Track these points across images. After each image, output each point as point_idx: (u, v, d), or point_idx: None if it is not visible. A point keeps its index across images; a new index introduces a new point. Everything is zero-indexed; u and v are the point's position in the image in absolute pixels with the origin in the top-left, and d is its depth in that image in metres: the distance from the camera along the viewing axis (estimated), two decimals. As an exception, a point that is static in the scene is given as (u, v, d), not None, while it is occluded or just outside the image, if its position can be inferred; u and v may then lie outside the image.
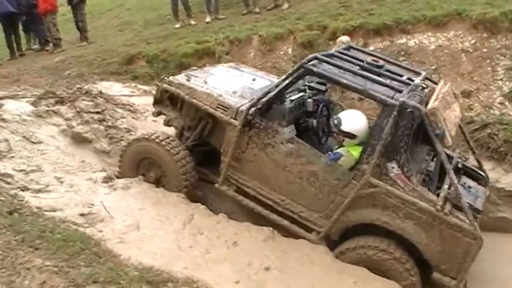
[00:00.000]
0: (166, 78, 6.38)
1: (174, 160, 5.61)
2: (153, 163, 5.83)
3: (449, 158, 5.36)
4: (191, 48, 9.39)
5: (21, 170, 5.59)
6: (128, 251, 4.44)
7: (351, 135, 5.07)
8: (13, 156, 5.85)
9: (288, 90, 5.42)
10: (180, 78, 6.03)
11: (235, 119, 5.34)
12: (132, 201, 5.34)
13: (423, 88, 5.03)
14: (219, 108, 5.48)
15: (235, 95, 5.65)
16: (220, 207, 5.79)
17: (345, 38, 7.55)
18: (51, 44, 11.86)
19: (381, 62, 5.32)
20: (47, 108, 7.13)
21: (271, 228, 5.16)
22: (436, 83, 5.39)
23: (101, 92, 7.70)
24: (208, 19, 11.08)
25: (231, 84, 5.92)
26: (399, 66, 5.70)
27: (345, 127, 5.08)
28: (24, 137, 6.34)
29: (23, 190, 5.20)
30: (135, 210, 5.16)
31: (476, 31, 8.22)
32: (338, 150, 5.13)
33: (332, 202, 5.01)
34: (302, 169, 5.08)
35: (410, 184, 4.71)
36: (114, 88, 8.52)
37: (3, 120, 6.81)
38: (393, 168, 4.73)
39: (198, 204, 5.50)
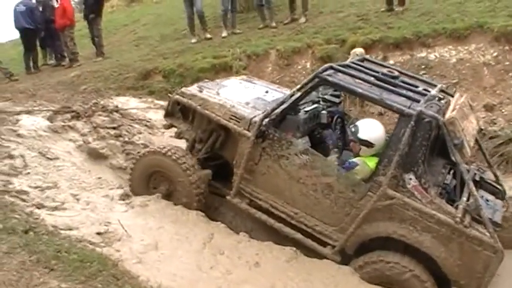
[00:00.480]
0: (177, 90, 6.25)
1: (184, 173, 5.45)
2: (163, 177, 5.67)
3: (467, 171, 5.14)
4: (208, 63, 9.28)
5: (36, 187, 5.45)
6: (146, 272, 4.26)
7: (368, 144, 4.91)
8: (29, 173, 5.73)
9: (302, 102, 5.30)
10: (193, 89, 5.90)
11: (248, 130, 5.19)
12: (150, 220, 5.16)
13: (440, 99, 4.93)
14: (232, 119, 5.35)
15: (248, 106, 5.52)
16: (240, 226, 5.57)
17: (359, 50, 7.48)
18: (67, 59, 11.83)
19: (396, 73, 5.21)
20: (63, 124, 7.03)
21: (294, 248, 4.97)
22: (452, 95, 5.28)
23: (117, 107, 7.57)
24: (224, 34, 10.97)
25: (243, 96, 5.79)
26: (414, 78, 5.61)
27: (362, 135, 4.93)
28: (40, 152, 6.22)
29: (38, 208, 5.05)
30: (154, 229, 4.98)
31: (498, 44, 8.09)
32: (353, 160, 5.01)
33: (347, 215, 4.87)
34: (316, 181, 4.95)
35: (428, 196, 4.57)
36: (130, 103, 8.41)
37: (19, 135, 6.72)
38: (410, 180, 4.60)
39: (218, 223, 5.33)
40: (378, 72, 5.13)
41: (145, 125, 7.48)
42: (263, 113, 5.18)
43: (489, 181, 5.60)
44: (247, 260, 4.70)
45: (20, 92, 9.47)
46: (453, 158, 4.53)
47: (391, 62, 8.33)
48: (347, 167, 4.92)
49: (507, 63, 7.86)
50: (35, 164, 5.93)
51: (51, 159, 6.14)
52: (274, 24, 10.99)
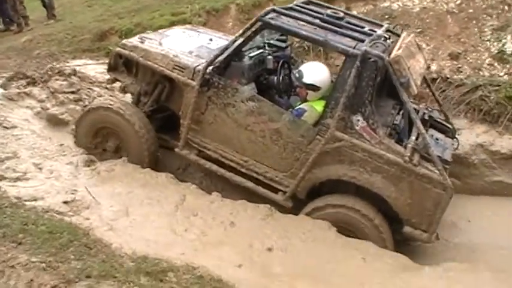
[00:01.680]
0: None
1: (132, 128, 5.35)
2: (110, 133, 5.58)
3: (416, 110, 5.29)
4: (166, 20, 8.92)
5: (-5, 158, 5.19)
6: (119, 239, 4.10)
7: (314, 87, 4.93)
8: (-15, 144, 5.44)
9: (247, 47, 5.27)
10: (134, 40, 5.72)
11: (192, 80, 5.11)
12: (118, 185, 4.99)
13: (386, 39, 4.91)
14: (176, 69, 5.25)
15: (191, 54, 5.42)
16: (210, 186, 5.57)
17: None
18: (15, 24, 11.24)
19: (341, 14, 5.16)
20: (18, 91, 6.66)
21: (268, 206, 4.90)
22: (399, 35, 5.25)
23: (74, 71, 7.23)
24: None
25: (187, 45, 5.68)
26: (361, 19, 5.60)
27: (307, 79, 4.94)
28: (-5, 122, 5.90)
29: (-1, 180, 4.80)
30: (123, 195, 4.82)
31: (462, -9, 7.99)
32: (301, 106, 4.98)
33: (297, 160, 4.88)
34: (264, 127, 4.93)
35: (376, 136, 4.61)
36: (87, 66, 8.05)
37: (-30, 105, 6.37)
38: (358, 121, 4.63)
39: (189, 184, 5.21)
40: (322, 14, 5.06)
41: (106, 88, 7.17)
42: (207, 61, 5.09)
43: (439, 120, 5.70)
44: (222, 221, 4.60)
45: (-34, 59, 9.01)
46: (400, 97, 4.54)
47: (354, 12, 8.16)
48: (296, 115, 4.90)
49: (470, 10, 7.80)
50: (-9, 134, 5.65)
51: (8, 128, 5.81)
52: (232, -22, 10.64)
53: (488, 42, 7.46)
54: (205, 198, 4.93)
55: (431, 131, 5.37)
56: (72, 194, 4.72)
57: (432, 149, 4.53)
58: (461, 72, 7.25)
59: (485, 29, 7.61)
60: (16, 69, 7.80)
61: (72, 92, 6.72)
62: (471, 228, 5.69)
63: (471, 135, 6.36)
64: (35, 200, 4.53)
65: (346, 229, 4.75)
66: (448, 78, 7.05)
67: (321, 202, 4.86)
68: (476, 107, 6.67)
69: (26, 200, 4.48)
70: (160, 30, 6.45)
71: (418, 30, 7.87)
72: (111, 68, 5.97)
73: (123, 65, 5.83)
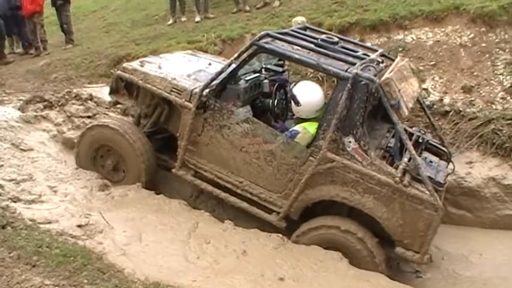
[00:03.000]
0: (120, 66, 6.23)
1: (131, 145, 5.46)
2: (109, 151, 5.67)
3: (410, 134, 5.43)
4: (182, 48, 9.00)
5: (11, 180, 5.26)
6: (131, 264, 4.13)
7: (295, 101, 5.07)
8: (2, 165, 5.51)
9: (243, 71, 5.37)
10: (134, 64, 5.88)
11: (189, 102, 5.22)
12: (132, 210, 5.02)
13: (378, 63, 4.99)
14: (173, 91, 5.37)
15: (189, 78, 5.55)
16: (223, 214, 5.58)
17: (300, 19, 7.52)
18: (34, 48, 11.43)
19: (335, 39, 5.27)
20: (35, 114, 6.80)
21: (280, 235, 4.90)
22: (393, 60, 5.33)
23: (91, 96, 7.34)
24: (198, 18, 10.75)
25: (186, 69, 5.81)
26: (356, 44, 5.70)
27: (295, 90, 5.12)
28: (12, 144, 6.00)
29: (14, 201, 4.86)
30: (136, 220, 4.84)
31: (475, 25, 8.02)
32: (294, 128, 5.06)
33: (290, 181, 4.94)
34: (259, 149, 5.01)
35: (368, 158, 4.65)
36: (104, 91, 8.15)
37: (-12, 127, 6.46)
38: (350, 143, 4.69)
39: (202, 211, 5.23)
40: (317, 39, 5.19)
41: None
42: (203, 83, 5.19)
43: (434, 143, 5.72)
44: (234, 249, 4.59)
45: (-13, 82, 9.16)
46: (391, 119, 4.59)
47: (368, 44, 8.25)
48: (289, 136, 4.96)
49: (483, 44, 7.83)
50: (8, 156, 5.72)
51: (24, 150, 5.92)
52: (247, 8, 10.79)
53: (501, 76, 7.46)
54: (217, 226, 4.94)
55: (426, 154, 5.39)
56: (86, 217, 4.76)
57: (422, 170, 4.55)
58: (474, 105, 7.24)
59: (498, 63, 7.62)
60: (34, 92, 7.94)
61: (89, 117, 6.85)
62: (483, 261, 5.64)
63: (483, 169, 6.33)
64: (49, 222, 4.58)
65: (339, 250, 4.77)
66: (460, 111, 7.05)
67: (315, 223, 4.90)
68: (488, 140, 6.65)
69: (40, 223, 4.53)
70: (161, 55, 6.63)
71: (432, 63, 7.92)
72: (113, 91, 6.11)
73: (125, 88, 5.96)
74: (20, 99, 7.51)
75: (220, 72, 5.13)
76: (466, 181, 6.22)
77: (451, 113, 7.11)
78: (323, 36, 5.27)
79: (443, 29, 8.21)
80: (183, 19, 11.08)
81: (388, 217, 4.65)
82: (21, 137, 6.25)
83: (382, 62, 5.13)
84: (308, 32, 5.54)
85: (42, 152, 6.03)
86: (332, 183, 4.78)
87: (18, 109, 7.03)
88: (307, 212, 5.00)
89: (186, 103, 5.24)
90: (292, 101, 5.13)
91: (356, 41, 5.95)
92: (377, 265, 4.72)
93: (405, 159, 4.68)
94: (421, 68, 7.82)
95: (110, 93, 6.18)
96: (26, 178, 5.35)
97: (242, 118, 5.03)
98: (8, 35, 11.56)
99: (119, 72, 5.90)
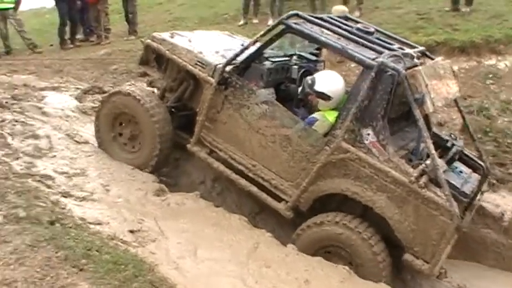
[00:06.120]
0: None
1: (149, 115, 5.51)
2: (129, 120, 5.76)
3: (443, 138, 5.41)
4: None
5: (63, 173, 5.25)
6: (184, 281, 3.97)
7: (325, 96, 4.99)
8: (55, 156, 5.55)
9: (273, 53, 5.50)
10: (164, 34, 5.99)
11: (212, 77, 5.29)
12: (188, 220, 4.89)
13: (413, 57, 4.89)
14: (198, 65, 5.46)
15: (217, 54, 5.62)
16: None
17: (341, 8, 7.59)
18: (95, 35, 11.62)
19: (372, 29, 5.23)
20: (93, 105, 6.80)
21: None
22: (433, 59, 5.33)
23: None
24: (270, 21, 10.63)
25: (216, 45, 5.89)
26: (397, 40, 5.59)
27: (318, 87, 5.01)
28: (67, 134, 6.04)
29: (65, 196, 4.80)
30: (192, 232, 4.70)
31: None
32: (313, 115, 5.04)
33: (304, 170, 4.93)
34: (275, 132, 5.04)
35: (385, 153, 4.59)
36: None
37: (44, 113, 6.58)
38: (368, 135, 4.65)
39: (263, 231, 5.04)
40: (352, 27, 5.15)
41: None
42: (227, 59, 5.25)
43: (471, 155, 5.60)
44: (296, 277, 4.37)
45: (44, 67, 9.32)
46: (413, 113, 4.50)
47: (455, 67, 7.94)
48: (307, 123, 4.96)
49: None
50: (62, 147, 5.76)
51: (79, 143, 5.93)
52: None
53: None
54: (279, 250, 4.74)
55: (457, 164, 5.23)
56: (139, 223, 4.65)
57: (441, 172, 4.39)
58: None
59: None
60: (92, 82, 7.99)
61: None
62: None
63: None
64: (100, 224, 4.48)
65: (342, 249, 4.77)
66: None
67: (320, 218, 4.85)
68: None
69: (90, 223, 4.43)
70: (196, 31, 6.70)
71: (526, 95, 7.55)
72: (143, 62, 6.22)
73: (155, 60, 6.05)
74: (77, 88, 7.58)
75: (245, 49, 5.18)
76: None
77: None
78: (359, 25, 5.24)
79: (543, 58, 7.84)
80: (255, 21, 11.05)
81: (400, 219, 4.57)
82: (77, 128, 6.28)
83: (419, 59, 5.01)
84: (347, 21, 5.47)
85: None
86: (345, 177, 4.76)
87: (75, 98, 7.08)
88: (318, 207, 4.98)
89: (209, 78, 5.31)
90: (320, 99, 5.02)
91: (399, 37, 5.83)
92: (381, 270, 4.64)
93: (428, 162, 4.53)
94: (512, 98, 7.47)
95: (140, 63, 6.31)
96: (79, 173, 5.33)
97: (262, 99, 5.06)
98: (71, 20, 11.77)
99: (148, 41, 6.00)
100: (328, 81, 5.03)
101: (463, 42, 8.24)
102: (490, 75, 7.89)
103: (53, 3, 11.92)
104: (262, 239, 4.85)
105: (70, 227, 4.15)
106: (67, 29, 11.60)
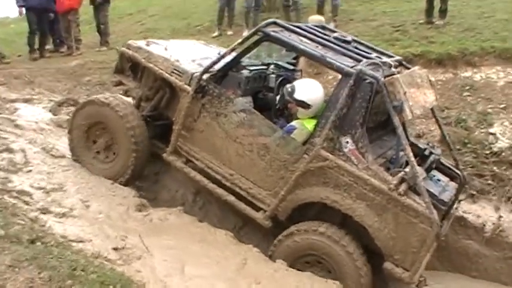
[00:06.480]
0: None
1: (121, 120, 5.42)
2: (103, 129, 5.65)
3: (420, 148, 5.40)
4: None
5: (40, 188, 5.06)
6: (173, 300, 3.86)
7: (305, 105, 4.97)
8: (30, 171, 5.34)
9: (250, 62, 5.50)
10: (140, 42, 5.97)
11: (189, 85, 5.25)
12: (172, 237, 4.77)
13: (390, 66, 4.95)
14: (174, 73, 5.41)
15: (193, 62, 5.59)
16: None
17: (317, 17, 7.69)
18: (65, 46, 11.40)
19: (349, 38, 5.29)
20: (68, 117, 6.62)
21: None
22: (409, 68, 5.38)
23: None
24: (245, 33, 10.54)
25: (192, 54, 5.87)
26: (374, 49, 5.59)
27: (298, 95, 4.98)
28: (43, 148, 5.86)
29: (44, 213, 4.62)
30: (178, 249, 4.58)
31: (554, 67, 7.77)
32: (292, 123, 5.03)
33: (282, 178, 4.91)
34: (253, 141, 5.01)
35: (364, 161, 4.61)
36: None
37: (17, 126, 6.37)
38: (347, 143, 4.66)
39: (250, 246, 4.96)
40: (329, 36, 5.20)
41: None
42: (204, 67, 5.22)
43: (448, 165, 5.61)
44: (286, 293, 4.32)
45: (14, 77, 9.09)
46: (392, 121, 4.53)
47: (433, 79, 8.00)
48: (286, 131, 4.94)
49: (563, 89, 7.57)
50: (38, 161, 5.57)
51: (56, 156, 5.76)
52: (299, 28, 10.67)
53: None
54: (268, 265, 4.67)
55: (435, 173, 5.26)
56: (123, 240, 4.51)
57: (420, 180, 4.43)
58: (549, 156, 6.96)
59: None
60: (66, 94, 7.82)
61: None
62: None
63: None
64: (82, 241, 4.32)
65: (321, 259, 4.76)
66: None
67: (299, 227, 4.83)
68: None
69: (72, 241, 4.27)
70: (171, 40, 6.71)
71: (502, 106, 7.64)
72: (118, 70, 6.15)
73: (130, 69, 5.99)
74: (51, 100, 7.39)
75: (222, 57, 5.16)
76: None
77: (524, 164, 6.80)
78: (336, 34, 5.28)
79: (517, 70, 7.94)
80: (229, 32, 10.99)
81: (380, 227, 4.58)
82: (52, 141, 6.11)
83: (396, 67, 5.09)
84: (324, 31, 5.50)
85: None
86: (324, 185, 4.75)
87: (50, 111, 6.89)
88: (297, 216, 4.96)
89: (185, 86, 5.27)
90: (299, 107, 5.01)
91: (375, 46, 5.84)
92: (360, 276, 4.64)
93: (407, 170, 4.56)
94: (489, 110, 7.54)
95: (115, 72, 6.22)
96: (57, 188, 5.15)
97: (240, 107, 5.04)
98: (40, 30, 11.49)
99: (123, 49, 5.94)
100: (308, 90, 5.01)
101: (440, 54, 8.27)
102: (467, 87, 7.93)
103: (17, 13, 11.64)
104: (249, 254, 4.77)
105: (52, 246, 3.97)
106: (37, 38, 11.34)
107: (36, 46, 11.36)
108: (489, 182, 6.71)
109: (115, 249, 4.34)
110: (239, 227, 5.66)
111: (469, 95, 7.81)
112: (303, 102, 4.96)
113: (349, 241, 4.69)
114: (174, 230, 4.91)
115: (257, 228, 5.36)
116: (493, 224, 6.25)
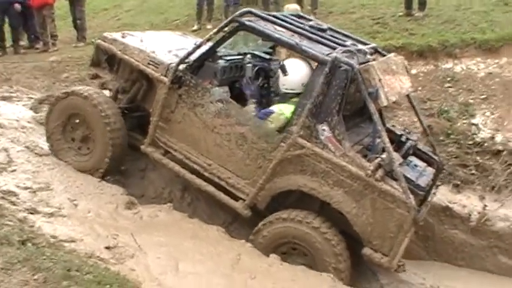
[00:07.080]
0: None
1: (95, 109, 5.39)
2: (80, 121, 5.61)
3: (398, 134, 5.51)
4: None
5: (26, 188, 4.96)
6: (170, 298, 3.83)
7: (284, 70, 5.04)
8: (15, 170, 5.24)
9: (223, 49, 5.49)
10: (115, 34, 5.97)
11: (165, 76, 5.26)
12: (164, 234, 4.73)
13: (366, 53, 5.05)
14: (150, 64, 5.42)
15: (170, 53, 5.61)
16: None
17: (293, 6, 7.73)
18: (41, 42, 11.20)
19: (325, 27, 5.37)
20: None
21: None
22: (385, 55, 5.44)
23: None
24: (225, 26, 10.60)
25: (168, 45, 5.88)
26: (349, 37, 5.67)
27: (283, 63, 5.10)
28: (26, 147, 5.75)
29: (32, 213, 4.54)
30: (170, 246, 4.53)
31: (533, 58, 7.88)
32: (270, 108, 5.08)
33: (260, 168, 4.95)
34: (230, 131, 5.05)
35: (341, 148, 4.66)
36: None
37: (-2, 125, 6.19)
38: (324, 131, 4.70)
39: (243, 241, 4.94)
40: (304, 24, 5.25)
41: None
42: (180, 58, 5.25)
43: (425, 151, 5.72)
44: (282, 287, 4.31)
45: (-12, 75, 8.91)
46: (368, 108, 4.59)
47: (414, 71, 8.06)
48: (262, 115, 4.99)
49: (542, 79, 7.69)
50: (22, 160, 5.47)
51: (40, 155, 5.66)
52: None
53: (560, 114, 7.31)
54: (262, 260, 4.65)
55: (412, 158, 5.35)
56: (114, 238, 4.45)
57: (397, 165, 4.51)
58: (529, 145, 7.07)
59: (557, 100, 7.46)
60: (44, 91, 7.70)
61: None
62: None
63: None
64: (74, 241, 4.25)
65: (301, 246, 4.81)
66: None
67: (278, 215, 4.88)
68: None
69: (63, 241, 4.20)
70: (147, 31, 6.73)
71: (482, 96, 7.75)
72: (94, 63, 6.15)
73: (106, 61, 5.96)
74: (30, 97, 7.26)
75: (198, 47, 5.17)
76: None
77: (504, 153, 6.92)
78: (312, 23, 5.35)
79: (496, 61, 8.07)
80: (209, 27, 10.91)
81: (358, 214, 4.63)
82: (35, 140, 6.00)
83: (371, 55, 5.15)
84: (300, 19, 5.54)
85: (59, 158, 5.72)
86: (301, 173, 4.79)
87: (30, 108, 6.78)
88: (276, 205, 5.01)
89: (162, 77, 5.27)
90: (280, 71, 5.09)
91: (351, 34, 5.93)
92: (339, 262, 4.70)
93: (384, 156, 4.62)
94: (470, 101, 7.66)
95: (91, 65, 6.22)
96: (43, 187, 5.07)
97: (216, 97, 5.06)
98: (10, 25, 11.26)
99: (99, 41, 5.94)
100: (294, 64, 5.08)
101: (421, 46, 8.35)
102: (448, 79, 8.02)
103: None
104: (243, 249, 4.75)
105: (44, 246, 3.92)
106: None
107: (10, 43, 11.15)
108: (473, 172, 6.82)
109: (107, 248, 4.28)
110: (228, 222, 5.64)
111: (450, 87, 7.90)
112: (283, 66, 5.03)
113: (327, 227, 4.73)
114: (165, 227, 4.88)
115: (246, 223, 5.36)
116: (478, 213, 6.36)
